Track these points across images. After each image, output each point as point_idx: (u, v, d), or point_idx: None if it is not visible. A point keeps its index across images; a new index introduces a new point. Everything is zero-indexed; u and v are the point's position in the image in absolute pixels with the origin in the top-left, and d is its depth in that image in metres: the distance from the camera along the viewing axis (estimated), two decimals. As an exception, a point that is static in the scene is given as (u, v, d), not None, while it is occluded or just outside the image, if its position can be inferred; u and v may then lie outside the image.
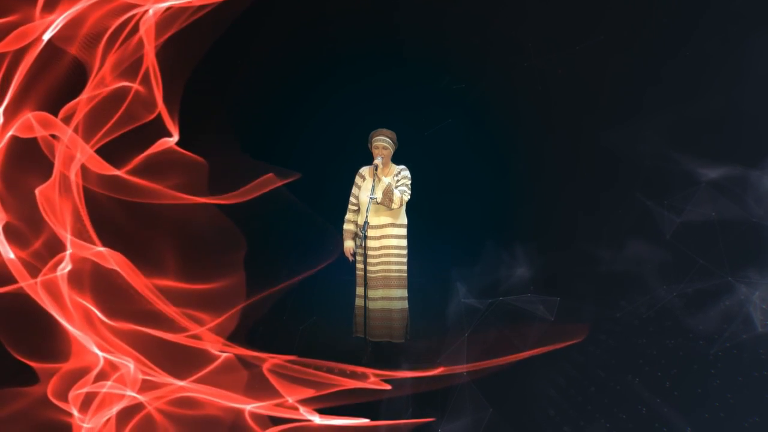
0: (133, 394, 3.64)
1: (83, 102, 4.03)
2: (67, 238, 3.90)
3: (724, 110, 4.31)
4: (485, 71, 5.12)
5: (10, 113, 3.89)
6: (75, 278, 3.92)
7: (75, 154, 4.00)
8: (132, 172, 4.23)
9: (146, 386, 3.75)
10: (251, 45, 4.95)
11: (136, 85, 4.14)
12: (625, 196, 4.77)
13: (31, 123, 3.90)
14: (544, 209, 5.16)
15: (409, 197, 4.41)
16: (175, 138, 4.31)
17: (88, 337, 3.80)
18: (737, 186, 4.28)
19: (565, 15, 4.78)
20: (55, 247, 3.93)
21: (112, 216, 4.17)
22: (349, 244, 4.50)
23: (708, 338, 4.09)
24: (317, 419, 3.55)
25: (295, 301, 4.96)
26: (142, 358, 3.84)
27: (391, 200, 4.34)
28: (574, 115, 4.91)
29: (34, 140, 3.95)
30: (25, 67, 3.87)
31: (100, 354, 3.77)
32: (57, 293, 3.83)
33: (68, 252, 3.89)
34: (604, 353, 4.17)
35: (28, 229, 3.91)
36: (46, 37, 3.89)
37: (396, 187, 4.41)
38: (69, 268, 3.86)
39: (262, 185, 4.76)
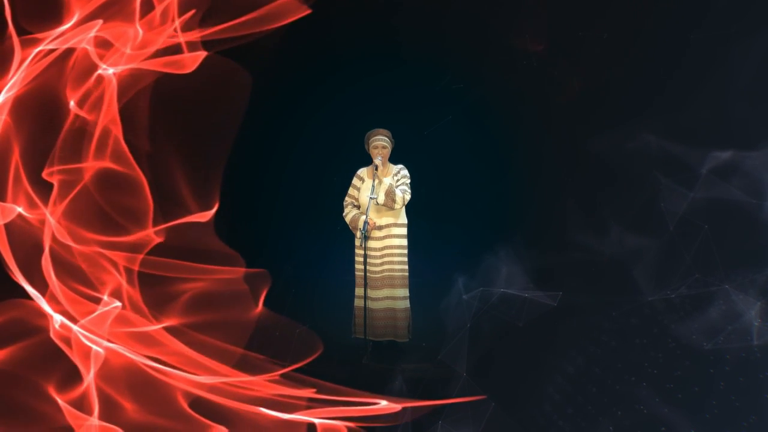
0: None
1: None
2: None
3: (723, 109, 4.29)
4: (484, 71, 5.12)
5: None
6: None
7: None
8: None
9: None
10: (250, 45, 4.95)
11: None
12: (625, 195, 4.75)
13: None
14: (543, 208, 5.15)
15: (410, 196, 4.42)
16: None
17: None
18: (736, 181, 4.26)
19: (565, 15, 4.78)
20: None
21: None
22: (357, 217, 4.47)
23: (709, 338, 4.07)
24: (384, 403, 3.56)
25: (293, 302, 4.96)
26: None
27: (394, 200, 4.35)
28: (573, 114, 4.91)
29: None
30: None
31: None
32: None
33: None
34: (605, 353, 4.15)
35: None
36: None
37: (396, 186, 4.41)
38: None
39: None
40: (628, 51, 4.66)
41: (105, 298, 3.76)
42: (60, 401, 3.41)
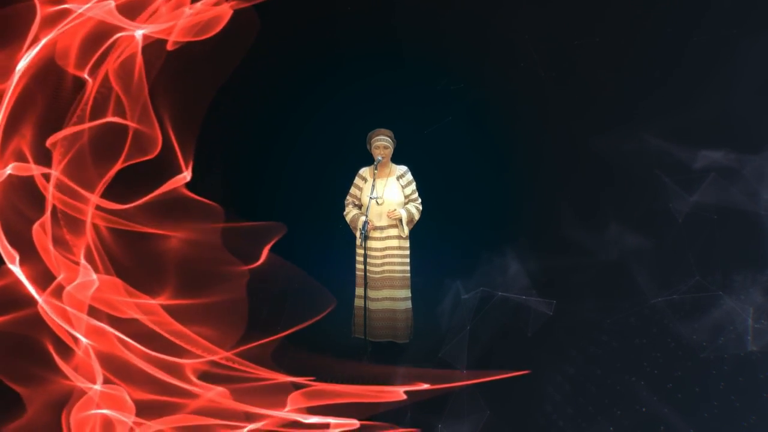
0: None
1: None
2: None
3: (722, 110, 4.29)
4: (484, 71, 5.12)
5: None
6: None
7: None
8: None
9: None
10: (249, 45, 4.95)
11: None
12: (626, 196, 4.75)
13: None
14: (544, 209, 5.15)
15: (422, 206, 4.53)
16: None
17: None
18: (737, 182, 4.26)
19: (564, 15, 4.77)
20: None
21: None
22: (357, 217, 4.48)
23: (710, 339, 4.06)
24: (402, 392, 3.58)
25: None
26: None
27: (414, 220, 4.49)
28: (573, 114, 4.90)
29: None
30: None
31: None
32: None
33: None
34: (605, 354, 4.15)
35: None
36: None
37: (410, 201, 4.48)
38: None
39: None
40: (628, 51, 4.66)
41: (82, 261, 3.66)
42: (64, 367, 3.40)
